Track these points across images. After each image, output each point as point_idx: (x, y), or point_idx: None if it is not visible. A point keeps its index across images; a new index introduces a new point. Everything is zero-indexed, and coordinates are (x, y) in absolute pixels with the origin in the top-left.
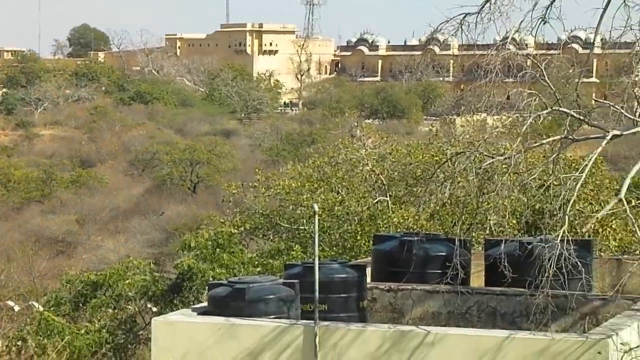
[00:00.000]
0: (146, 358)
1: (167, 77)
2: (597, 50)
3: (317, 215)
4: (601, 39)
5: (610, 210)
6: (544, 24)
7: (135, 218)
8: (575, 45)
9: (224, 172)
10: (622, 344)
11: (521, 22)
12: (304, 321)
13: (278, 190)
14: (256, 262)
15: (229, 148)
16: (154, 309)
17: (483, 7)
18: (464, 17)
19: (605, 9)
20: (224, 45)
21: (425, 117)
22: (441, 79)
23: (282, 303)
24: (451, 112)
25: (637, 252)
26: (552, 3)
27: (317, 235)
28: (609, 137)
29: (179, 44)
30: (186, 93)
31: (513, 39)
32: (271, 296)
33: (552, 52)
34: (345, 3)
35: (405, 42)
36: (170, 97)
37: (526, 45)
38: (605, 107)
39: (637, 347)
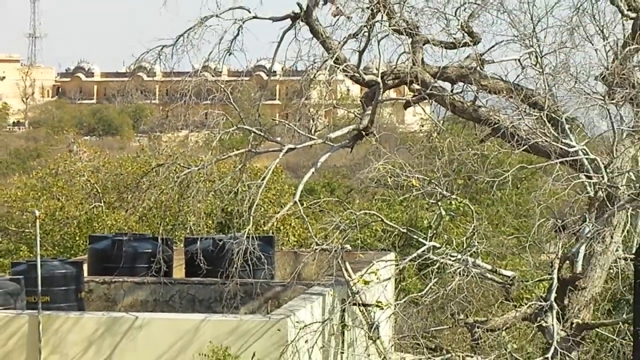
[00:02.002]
0: None
1: None
2: (277, 77)
3: (38, 220)
4: (282, 67)
5: (288, 211)
6: (229, 55)
7: None
8: (261, 73)
9: None
10: (297, 322)
11: (210, 53)
12: (29, 311)
13: (6, 199)
14: None
15: None
16: None
17: (177, 40)
18: (162, 48)
19: (279, 43)
20: None
21: (135, 134)
22: (148, 101)
23: (9, 296)
24: (157, 129)
25: (311, 245)
26: (235, 38)
27: (38, 237)
28: (285, 150)
29: None
30: None
31: (207, 66)
32: None
33: (242, 78)
34: (64, 36)
35: (126, 69)
36: None
37: (220, 72)
38: (283, 125)
39: (310, 323)
